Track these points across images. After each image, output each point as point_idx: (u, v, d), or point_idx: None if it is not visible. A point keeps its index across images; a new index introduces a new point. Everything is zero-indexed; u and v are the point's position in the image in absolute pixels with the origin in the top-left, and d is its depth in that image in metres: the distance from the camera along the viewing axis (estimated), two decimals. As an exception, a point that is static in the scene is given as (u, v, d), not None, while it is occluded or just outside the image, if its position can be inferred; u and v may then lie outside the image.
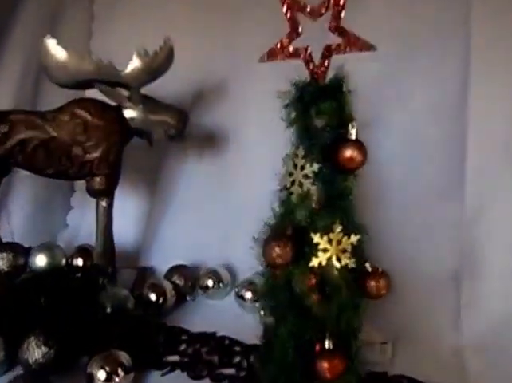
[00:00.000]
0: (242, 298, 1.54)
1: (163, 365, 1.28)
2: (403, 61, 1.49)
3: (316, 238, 0.95)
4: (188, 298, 1.63)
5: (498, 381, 1.22)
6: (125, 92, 1.45)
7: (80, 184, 1.61)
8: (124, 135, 1.47)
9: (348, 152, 0.96)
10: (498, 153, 1.41)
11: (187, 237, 1.79)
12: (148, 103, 1.47)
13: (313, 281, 0.97)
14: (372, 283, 1.02)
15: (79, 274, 1.49)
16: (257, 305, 1.45)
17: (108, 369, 1.13)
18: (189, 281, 1.63)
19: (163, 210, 1.88)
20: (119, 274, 1.60)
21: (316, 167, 0.98)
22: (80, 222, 1.91)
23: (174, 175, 1.86)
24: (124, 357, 1.17)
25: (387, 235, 1.44)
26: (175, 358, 1.32)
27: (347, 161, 0.97)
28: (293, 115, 0.99)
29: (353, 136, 0.97)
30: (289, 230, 0.98)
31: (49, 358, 1.17)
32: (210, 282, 1.62)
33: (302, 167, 0.99)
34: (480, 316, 1.39)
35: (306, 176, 0.99)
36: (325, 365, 0.97)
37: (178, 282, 1.61)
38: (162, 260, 1.74)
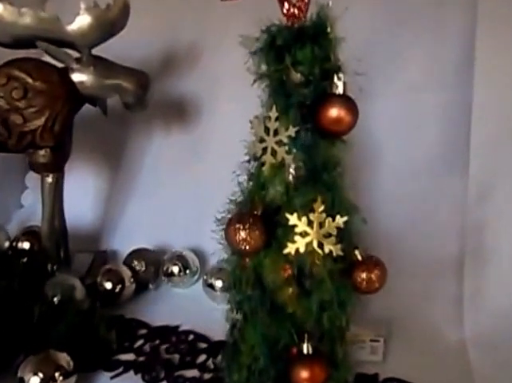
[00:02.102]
0: (211, 286, 1.40)
1: (115, 366, 1.15)
2: (402, 22, 1.37)
3: (292, 219, 0.76)
4: (150, 286, 1.49)
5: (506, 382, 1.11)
6: (74, 54, 1.27)
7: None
8: (72, 101, 1.30)
9: (334, 111, 0.76)
10: (507, 123, 1.28)
11: (152, 218, 1.66)
12: (101, 65, 1.29)
13: (289, 271, 0.79)
14: (363, 275, 0.84)
15: (24, 259, 1.36)
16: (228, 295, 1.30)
17: (42, 374, 1.01)
18: (151, 267, 1.49)
19: (125, 188, 1.74)
20: (73, 260, 1.49)
21: (292, 130, 0.78)
22: (36, 202, 1.73)
23: (138, 149, 1.72)
24: (64, 358, 1.05)
25: (380, 215, 1.32)
26: (129, 357, 1.19)
27: (332, 122, 0.77)
28: (263, 66, 0.79)
29: (340, 91, 0.78)
30: (259, 210, 0.79)
31: None
32: (175, 269, 1.48)
33: (276, 132, 0.80)
34: (486, 308, 1.27)
35: (280, 143, 0.79)
36: (304, 373, 0.80)
37: (138, 267, 1.48)
38: (125, 243, 1.61)
